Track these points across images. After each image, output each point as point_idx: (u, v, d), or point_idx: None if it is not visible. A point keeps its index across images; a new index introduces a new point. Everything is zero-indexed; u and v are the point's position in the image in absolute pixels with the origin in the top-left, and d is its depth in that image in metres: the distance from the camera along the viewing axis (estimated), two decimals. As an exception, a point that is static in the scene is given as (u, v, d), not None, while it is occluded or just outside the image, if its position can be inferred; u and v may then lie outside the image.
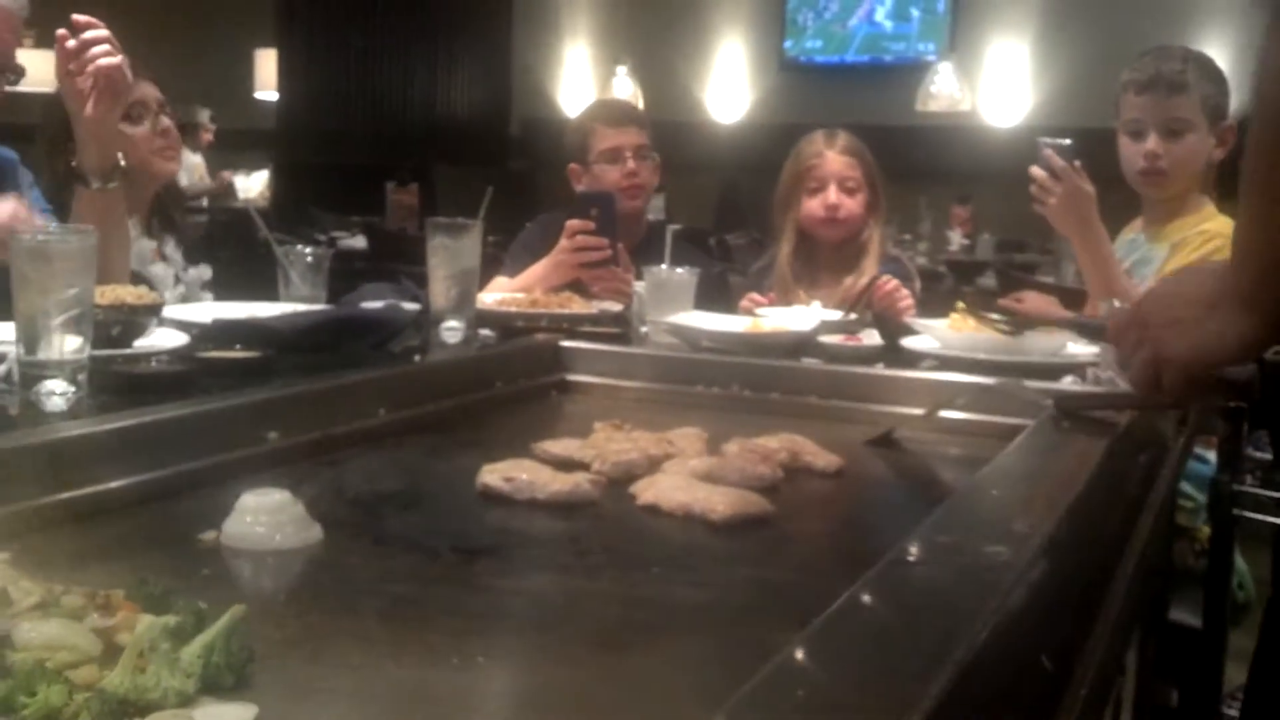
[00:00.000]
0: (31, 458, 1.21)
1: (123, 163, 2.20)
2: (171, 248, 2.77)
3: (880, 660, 0.75)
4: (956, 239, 6.82)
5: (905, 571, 0.94)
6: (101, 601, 0.87)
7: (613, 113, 3.11)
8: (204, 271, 2.76)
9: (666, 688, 0.92)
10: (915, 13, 8.37)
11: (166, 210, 2.83)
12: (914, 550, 0.99)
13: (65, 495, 1.19)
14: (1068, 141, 2.47)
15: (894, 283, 2.64)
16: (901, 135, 6.63)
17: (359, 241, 6.06)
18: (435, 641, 0.96)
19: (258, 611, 0.86)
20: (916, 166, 6.64)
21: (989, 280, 5.21)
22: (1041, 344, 2.07)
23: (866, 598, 0.86)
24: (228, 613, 0.84)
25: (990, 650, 0.79)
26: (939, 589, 0.92)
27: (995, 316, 2.13)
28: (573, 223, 2.70)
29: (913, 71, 7.92)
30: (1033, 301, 2.82)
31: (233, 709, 0.78)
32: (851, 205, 2.90)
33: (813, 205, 2.91)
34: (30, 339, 1.39)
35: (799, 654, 0.73)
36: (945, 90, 7.39)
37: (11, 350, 1.44)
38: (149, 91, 2.70)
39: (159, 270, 2.66)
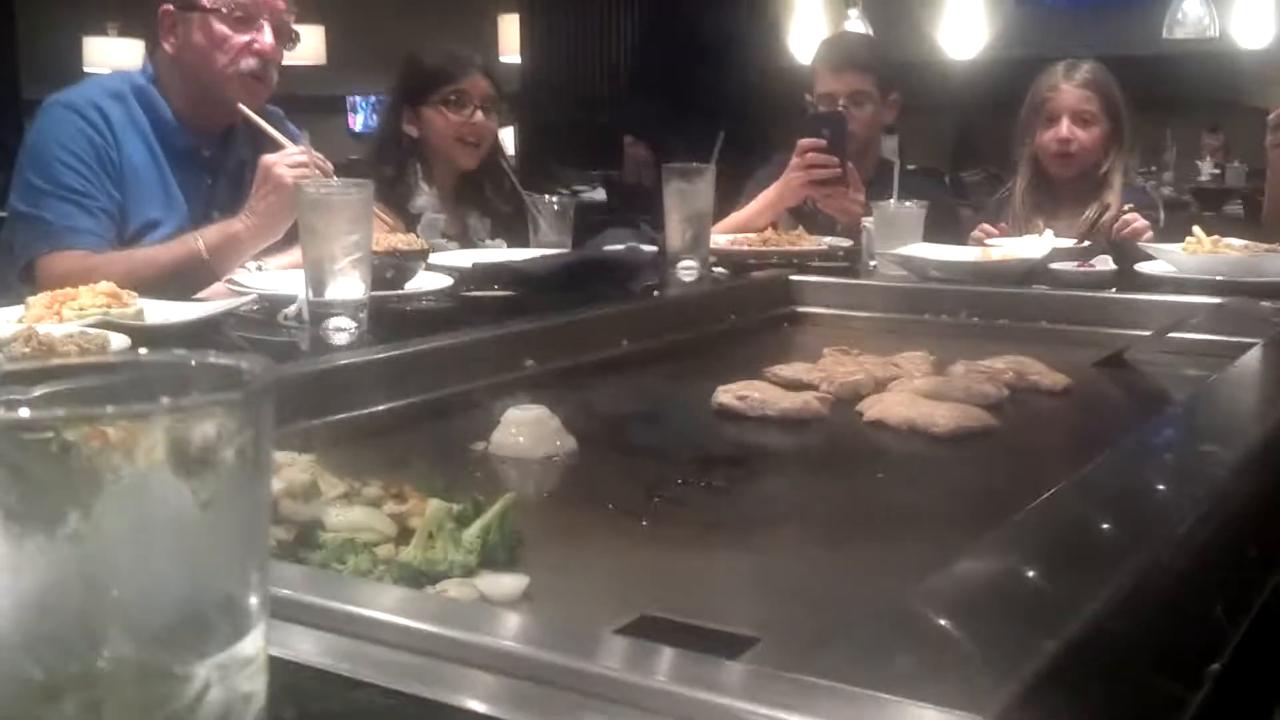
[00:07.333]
0: (322, 382, 1.38)
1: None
2: (475, 220, 2.79)
3: (1074, 549, 0.81)
4: (1206, 168, 6.55)
5: (1115, 469, 1.00)
6: (395, 492, 1.02)
7: (832, 57, 3.14)
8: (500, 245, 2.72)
9: (886, 578, 1.00)
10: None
11: (483, 191, 2.81)
12: (1124, 451, 1.04)
13: (355, 414, 1.36)
14: None
15: (1130, 211, 2.61)
16: (1148, 65, 6.38)
17: (599, 194, 6.25)
18: (681, 535, 1.07)
19: (523, 507, 0.99)
20: (1164, 96, 6.38)
21: (1235, 208, 5.01)
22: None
23: (1071, 494, 0.93)
24: (501, 499, 0.98)
25: (1196, 539, 0.85)
26: (1151, 483, 0.98)
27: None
28: (804, 141, 2.74)
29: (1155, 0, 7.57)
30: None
31: (508, 579, 0.91)
32: (1085, 139, 2.87)
33: (1045, 138, 2.90)
34: (318, 282, 1.57)
35: (991, 544, 0.80)
36: (1193, 16, 7.04)
37: (301, 293, 1.63)
38: (478, 84, 2.72)
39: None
